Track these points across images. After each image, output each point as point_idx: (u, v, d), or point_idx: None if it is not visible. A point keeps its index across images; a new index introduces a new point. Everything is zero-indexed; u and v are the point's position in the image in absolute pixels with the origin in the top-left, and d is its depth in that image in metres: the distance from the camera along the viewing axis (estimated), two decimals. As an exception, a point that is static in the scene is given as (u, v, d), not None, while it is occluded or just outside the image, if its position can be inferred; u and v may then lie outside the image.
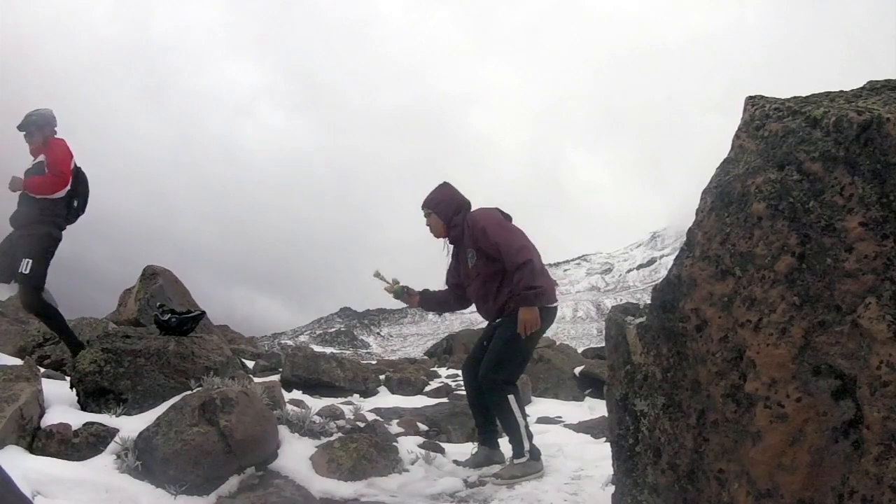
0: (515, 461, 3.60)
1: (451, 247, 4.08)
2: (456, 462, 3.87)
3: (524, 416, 3.68)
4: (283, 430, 3.62)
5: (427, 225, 4.04)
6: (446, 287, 4.19)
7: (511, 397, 3.62)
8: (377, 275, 4.21)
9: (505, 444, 3.84)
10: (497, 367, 3.63)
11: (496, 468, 3.68)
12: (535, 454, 3.63)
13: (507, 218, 3.85)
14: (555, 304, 3.76)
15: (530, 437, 3.65)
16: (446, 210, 3.94)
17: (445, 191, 4.01)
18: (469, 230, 3.80)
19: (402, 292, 4.17)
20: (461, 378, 4.23)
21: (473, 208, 3.99)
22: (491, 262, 3.71)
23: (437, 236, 4.05)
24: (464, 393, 6.79)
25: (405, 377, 7.55)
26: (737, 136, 2.06)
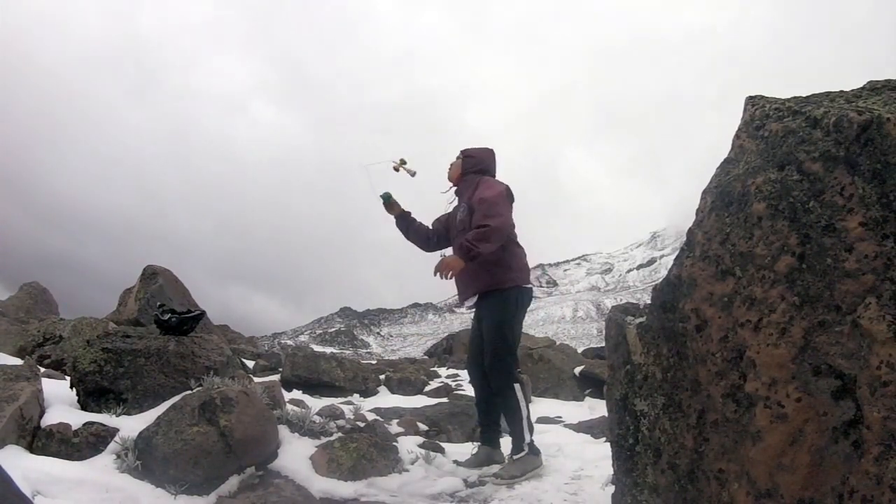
0: (514, 457, 3.62)
1: (455, 197, 4.17)
2: (456, 462, 3.87)
3: (528, 406, 3.75)
4: (283, 430, 3.62)
5: (450, 164, 4.14)
6: (430, 225, 4.31)
7: (517, 385, 3.69)
8: (399, 163, 4.15)
9: (506, 445, 3.85)
10: (497, 356, 3.72)
11: (496, 468, 3.69)
12: (534, 449, 3.66)
13: (511, 198, 3.90)
14: (529, 286, 3.92)
15: (531, 429, 3.70)
16: (470, 164, 4.04)
17: (484, 152, 4.12)
18: (473, 187, 3.92)
19: (389, 199, 4.19)
20: (462, 378, 4.25)
21: None
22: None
23: (449, 178, 4.15)
24: (464, 393, 6.81)
25: (405, 377, 7.56)
26: (737, 136, 2.06)
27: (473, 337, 4.04)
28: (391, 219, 4.29)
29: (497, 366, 3.72)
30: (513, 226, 3.86)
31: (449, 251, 4.07)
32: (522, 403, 3.68)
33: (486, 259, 3.67)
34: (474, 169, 4.04)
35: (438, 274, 3.66)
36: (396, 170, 4.16)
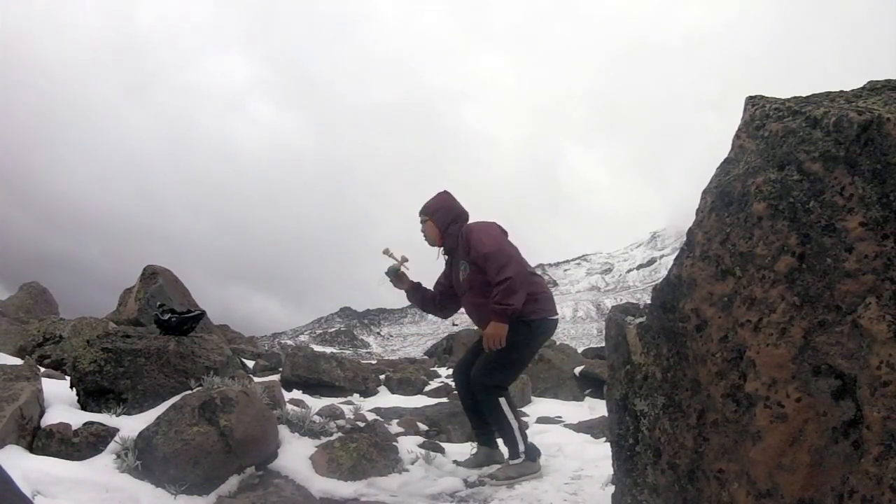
0: (511, 462, 3.63)
1: (446, 256, 4.05)
2: (456, 462, 3.87)
3: (517, 417, 3.71)
4: (283, 430, 3.62)
5: (422, 232, 4.00)
6: (434, 290, 4.17)
7: (502, 399, 3.64)
8: (387, 252, 4.05)
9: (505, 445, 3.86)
10: (488, 372, 3.64)
11: (496, 468, 3.69)
12: (531, 454, 3.64)
13: (504, 233, 3.82)
14: (555, 317, 3.84)
15: (525, 437, 3.68)
16: (443, 218, 3.91)
17: (444, 199, 3.98)
18: (463, 241, 3.77)
19: (396, 272, 4.05)
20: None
21: (473, 217, 3.97)
22: (482, 273, 3.69)
23: (432, 244, 4.02)
24: (464, 392, 6.78)
25: (405, 377, 7.55)
26: (737, 136, 2.06)
27: (474, 345, 3.96)
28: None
29: (482, 381, 3.63)
30: (520, 259, 3.71)
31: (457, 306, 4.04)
32: (510, 416, 3.63)
33: None
34: (449, 221, 3.89)
35: (488, 348, 3.60)
36: (391, 257, 4.05)
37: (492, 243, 3.63)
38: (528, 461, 3.61)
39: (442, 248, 4.02)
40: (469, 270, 3.77)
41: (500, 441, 3.93)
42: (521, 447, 3.61)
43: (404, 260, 4.07)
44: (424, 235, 4.01)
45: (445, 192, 4.05)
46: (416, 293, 4.14)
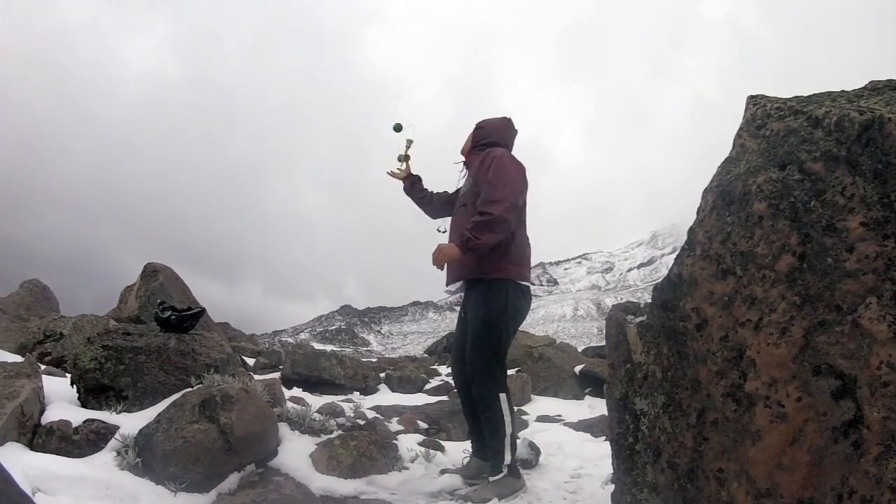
0: (491, 478, 3.24)
1: (464, 170, 3.83)
2: (448, 470, 3.67)
3: (513, 422, 3.32)
4: (284, 428, 3.63)
5: (468, 136, 3.83)
6: (441, 196, 4.05)
7: (502, 396, 3.28)
8: (404, 149, 4.06)
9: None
10: (483, 354, 3.30)
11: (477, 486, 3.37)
12: (514, 472, 3.27)
13: (526, 181, 3.48)
14: (525, 284, 3.43)
15: (514, 449, 3.30)
16: (480, 135, 3.72)
17: (496, 122, 3.78)
18: (484, 159, 3.47)
19: (405, 158, 4.07)
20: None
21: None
22: (477, 199, 3.42)
23: (462, 152, 3.84)
24: (464, 391, 6.77)
25: (405, 375, 7.56)
26: (738, 136, 2.06)
27: (458, 335, 3.59)
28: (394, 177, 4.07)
29: (480, 369, 3.29)
30: (523, 206, 3.40)
31: (445, 222, 3.83)
32: (507, 418, 3.24)
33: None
34: (484, 141, 3.66)
35: (434, 259, 3.33)
36: (405, 158, 4.09)
37: (506, 176, 3.30)
38: (510, 478, 3.23)
39: (465, 162, 3.82)
40: (468, 187, 3.55)
41: None
42: (507, 459, 3.23)
43: (409, 144, 4.07)
44: (466, 141, 3.85)
45: (506, 118, 3.82)
46: (416, 186, 4.06)
